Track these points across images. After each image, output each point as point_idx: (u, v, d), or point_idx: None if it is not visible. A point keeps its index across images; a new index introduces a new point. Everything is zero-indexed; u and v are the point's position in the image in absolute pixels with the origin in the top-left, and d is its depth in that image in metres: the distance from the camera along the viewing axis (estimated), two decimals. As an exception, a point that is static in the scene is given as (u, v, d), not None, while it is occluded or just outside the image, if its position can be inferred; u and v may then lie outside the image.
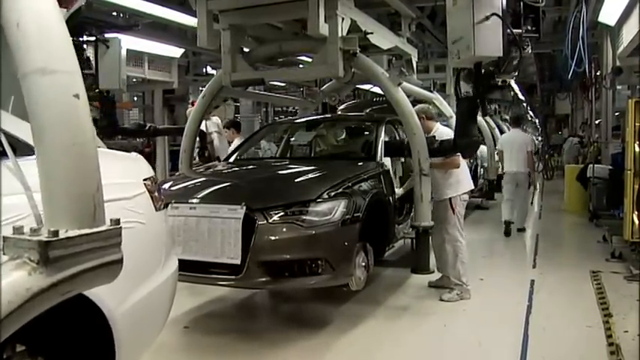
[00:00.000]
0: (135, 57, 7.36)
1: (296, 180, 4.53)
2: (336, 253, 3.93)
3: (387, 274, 5.73)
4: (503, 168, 8.58)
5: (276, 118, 18.40)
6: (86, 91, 1.49)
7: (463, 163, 5.14)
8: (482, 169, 10.29)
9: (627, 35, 6.89)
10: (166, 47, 8.09)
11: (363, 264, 4.19)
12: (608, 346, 3.78)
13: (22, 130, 1.87)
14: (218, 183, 4.52)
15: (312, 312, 4.78)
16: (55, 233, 1.35)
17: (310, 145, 6.27)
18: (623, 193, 6.05)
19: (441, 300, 4.81)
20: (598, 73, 10.35)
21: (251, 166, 5.63)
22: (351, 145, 6.30)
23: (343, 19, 4.97)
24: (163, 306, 2.47)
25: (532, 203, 11.23)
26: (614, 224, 6.90)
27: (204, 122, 6.95)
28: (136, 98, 13.40)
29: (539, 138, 22.08)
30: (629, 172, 5.85)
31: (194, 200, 4.10)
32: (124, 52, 6.43)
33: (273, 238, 3.79)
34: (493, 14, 4.00)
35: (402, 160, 5.91)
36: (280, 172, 5.13)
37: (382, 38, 5.99)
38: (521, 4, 4.42)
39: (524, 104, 21.14)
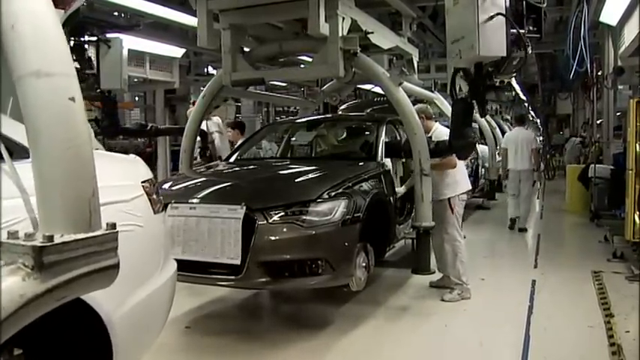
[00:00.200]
0: (136, 57, 7.38)
1: (296, 180, 4.52)
2: (337, 254, 3.92)
3: (388, 274, 5.72)
4: (506, 166, 8.58)
5: (277, 118, 18.37)
6: (88, 91, 1.47)
7: (460, 164, 5.16)
8: (483, 169, 10.27)
9: (629, 35, 6.86)
10: (168, 47, 8.11)
11: (364, 264, 4.18)
12: (610, 346, 3.78)
13: (19, 133, 1.86)
14: (218, 183, 4.52)
15: (313, 312, 4.78)
16: (50, 238, 1.32)
17: (311, 145, 6.27)
18: (625, 193, 6.04)
19: (442, 300, 4.80)
20: (599, 73, 10.32)
21: (251, 166, 5.61)
22: (352, 145, 6.28)
23: (344, 18, 4.96)
24: (162, 309, 2.46)
25: (538, 198, 11.25)
26: (615, 224, 6.89)
27: (205, 122, 6.94)
28: (137, 98, 13.42)
29: (541, 138, 22.04)
30: (630, 172, 5.83)
31: (194, 200, 4.09)
32: (125, 52, 6.43)
33: (273, 238, 3.78)
34: (498, 14, 3.98)
35: (403, 159, 5.90)
36: (280, 172, 5.12)
37: (383, 38, 5.97)
38: (524, 4, 4.39)
39: (526, 104, 21.07)
